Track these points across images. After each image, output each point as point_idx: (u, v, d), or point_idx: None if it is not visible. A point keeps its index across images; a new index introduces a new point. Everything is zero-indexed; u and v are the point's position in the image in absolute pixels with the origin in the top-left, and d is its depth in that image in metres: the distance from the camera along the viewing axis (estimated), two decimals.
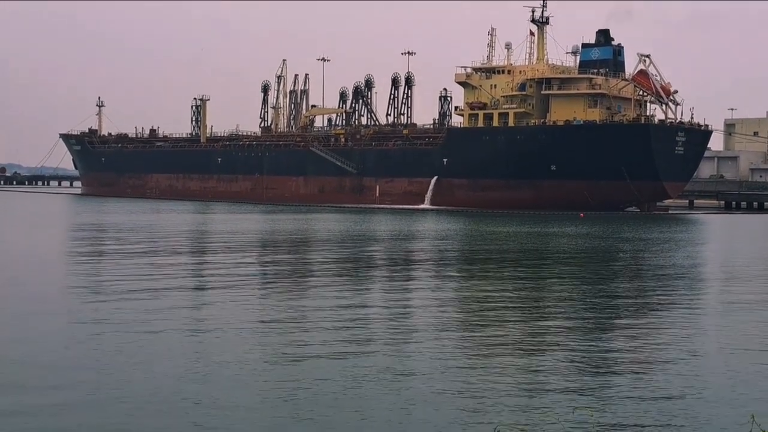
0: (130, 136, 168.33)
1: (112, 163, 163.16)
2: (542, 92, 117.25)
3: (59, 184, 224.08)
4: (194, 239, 60.93)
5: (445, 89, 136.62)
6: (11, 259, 43.51)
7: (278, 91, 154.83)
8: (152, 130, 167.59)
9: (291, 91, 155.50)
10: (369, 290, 33.66)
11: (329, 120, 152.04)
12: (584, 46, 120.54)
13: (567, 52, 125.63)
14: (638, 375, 19.32)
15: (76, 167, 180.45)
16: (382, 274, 40.30)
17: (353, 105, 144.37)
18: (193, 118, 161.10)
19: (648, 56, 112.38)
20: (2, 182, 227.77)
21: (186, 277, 36.96)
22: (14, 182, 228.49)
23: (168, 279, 35.31)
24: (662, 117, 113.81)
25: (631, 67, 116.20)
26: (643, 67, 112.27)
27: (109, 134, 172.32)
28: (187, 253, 49.85)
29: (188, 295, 31.22)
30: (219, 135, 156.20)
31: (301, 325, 25.01)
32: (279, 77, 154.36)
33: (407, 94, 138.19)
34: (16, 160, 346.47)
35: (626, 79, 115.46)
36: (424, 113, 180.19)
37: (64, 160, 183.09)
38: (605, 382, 18.65)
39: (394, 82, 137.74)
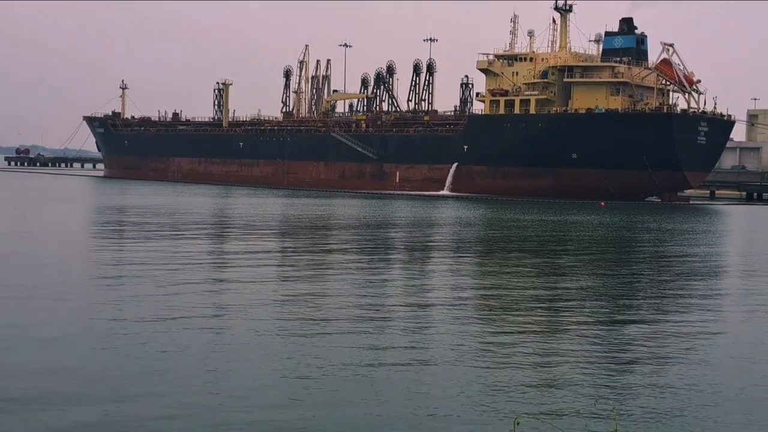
0: (152, 119, 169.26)
1: (134, 146, 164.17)
2: (564, 80, 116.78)
3: (82, 167, 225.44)
4: (215, 222, 61.39)
5: (466, 76, 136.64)
6: (33, 242, 44.07)
7: (300, 76, 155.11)
8: (175, 114, 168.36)
9: (313, 77, 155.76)
10: (388, 276, 33.86)
11: (350, 105, 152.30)
12: (607, 34, 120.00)
13: (590, 41, 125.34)
14: (659, 366, 19.44)
15: (99, 150, 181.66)
16: (402, 259, 40.57)
17: (374, 91, 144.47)
18: (216, 103, 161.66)
19: (671, 45, 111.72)
20: (26, 163, 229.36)
21: (205, 261, 37.29)
22: (38, 164, 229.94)
23: (188, 261, 35.66)
24: (685, 106, 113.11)
25: (654, 55, 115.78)
26: (666, 56, 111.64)
27: (132, 117, 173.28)
28: (207, 236, 50.23)
29: (208, 278, 31.53)
30: (241, 119, 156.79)
31: (319, 309, 25.29)
32: (301, 62, 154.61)
33: (429, 80, 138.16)
34: (40, 142, 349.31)
35: (649, 68, 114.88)
36: (445, 100, 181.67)
37: (87, 142, 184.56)
38: (626, 372, 18.78)
39: (416, 69, 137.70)
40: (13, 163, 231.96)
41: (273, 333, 21.88)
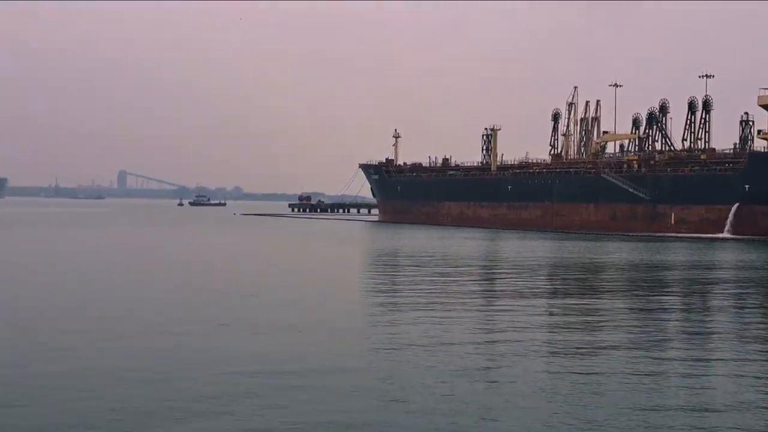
0: (423, 165, 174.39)
1: (406, 191, 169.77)
2: None
3: (358, 212, 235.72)
4: (486, 266, 62.02)
5: (746, 113, 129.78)
6: (313, 280, 46.68)
7: (569, 118, 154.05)
8: (445, 159, 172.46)
9: (582, 119, 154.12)
10: (659, 318, 32.77)
11: (621, 146, 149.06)
12: None
13: None
14: None
15: (374, 195, 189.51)
16: (682, 303, 39.07)
17: (646, 130, 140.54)
18: (484, 147, 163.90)
19: None
20: (307, 210, 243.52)
21: (475, 303, 37.85)
22: (318, 210, 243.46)
23: (456, 298, 36.41)
24: None
25: None
26: None
27: (404, 164, 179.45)
28: (478, 279, 50.91)
29: (479, 321, 32.01)
30: (509, 163, 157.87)
31: (584, 345, 25.00)
32: (570, 104, 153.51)
33: (705, 118, 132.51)
34: (320, 189, 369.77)
35: None
36: (722, 138, 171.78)
37: (363, 188, 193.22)
38: None
39: (691, 107, 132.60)
40: (296, 209, 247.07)
41: (549, 376, 21.86)
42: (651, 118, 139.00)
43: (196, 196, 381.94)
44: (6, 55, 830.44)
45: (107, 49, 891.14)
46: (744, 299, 40.96)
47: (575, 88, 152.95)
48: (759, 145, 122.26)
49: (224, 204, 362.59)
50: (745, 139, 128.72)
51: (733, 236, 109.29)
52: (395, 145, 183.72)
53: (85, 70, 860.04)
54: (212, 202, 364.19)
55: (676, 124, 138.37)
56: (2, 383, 19.94)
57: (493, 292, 42.59)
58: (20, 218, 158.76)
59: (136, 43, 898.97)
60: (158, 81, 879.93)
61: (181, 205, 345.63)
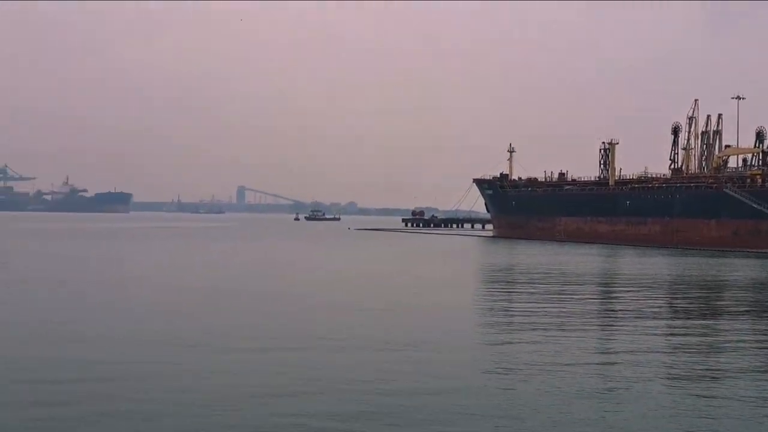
0: (539, 179, 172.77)
1: (521, 206, 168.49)
2: None
3: (472, 227, 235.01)
4: (602, 281, 61.07)
5: None
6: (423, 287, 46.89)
7: (689, 132, 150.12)
8: (561, 174, 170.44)
9: (703, 132, 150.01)
10: None
11: (744, 160, 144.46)
12: None
13: None
14: None
15: (487, 210, 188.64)
16: None
17: None
18: (601, 162, 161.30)
19: None
20: (420, 224, 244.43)
21: (592, 321, 37.40)
22: (431, 224, 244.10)
23: (573, 317, 36.05)
24: None
25: None
26: None
27: (519, 178, 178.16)
28: (595, 296, 50.23)
29: (593, 332, 31.67)
30: (627, 178, 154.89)
31: (706, 368, 24.45)
32: (690, 118, 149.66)
33: None
34: (433, 204, 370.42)
35: None
36: None
37: (477, 203, 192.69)
38: None
39: None
40: (409, 224, 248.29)
41: (669, 399, 21.53)
42: None
43: (311, 211, 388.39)
44: (133, 76, 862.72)
45: (230, 76, 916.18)
46: None
47: (696, 101, 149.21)
48: None
49: (339, 219, 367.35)
50: None
51: None
52: (510, 159, 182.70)
53: (209, 98, 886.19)
54: (327, 216, 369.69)
55: None
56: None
57: (610, 311, 41.91)
58: (157, 233, 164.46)
59: (255, 67, 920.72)
60: (277, 103, 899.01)
61: (297, 219, 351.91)
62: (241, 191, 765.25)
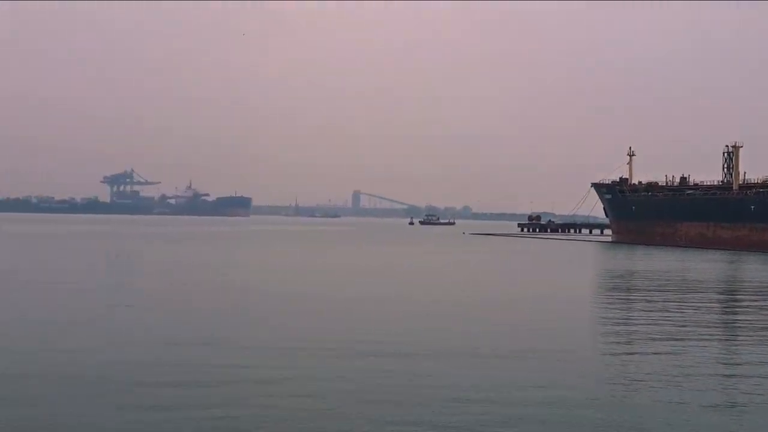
0: (659, 184, 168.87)
1: (641, 211, 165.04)
2: None
3: (590, 232, 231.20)
4: (727, 289, 59.43)
5: None
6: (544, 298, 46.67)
7: None
8: (683, 178, 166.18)
9: None
10: None
11: None
12: None
13: None
14: None
15: (606, 215, 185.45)
16: None
17: None
18: (725, 166, 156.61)
19: None
20: (537, 229, 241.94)
21: (715, 326, 36.57)
22: (548, 229, 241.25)
23: (697, 326, 35.33)
24: None
25: None
26: None
27: (639, 183, 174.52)
28: (717, 303, 48.98)
29: (717, 343, 31.01)
30: (752, 182, 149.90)
31: None
32: None
33: None
34: (549, 209, 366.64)
35: None
36: None
37: (595, 208, 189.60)
38: None
39: None
40: (525, 229, 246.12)
41: None
42: None
43: (426, 215, 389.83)
44: (246, 84, 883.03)
45: (344, 85, 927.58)
46: None
47: None
48: None
49: (453, 223, 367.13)
50: None
51: None
52: (629, 163, 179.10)
53: (320, 118, 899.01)
54: (441, 221, 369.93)
55: None
56: None
57: (734, 321, 40.84)
58: (291, 235, 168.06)
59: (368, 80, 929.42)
60: (391, 108, 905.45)
61: (411, 224, 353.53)
62: (356, 195, 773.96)
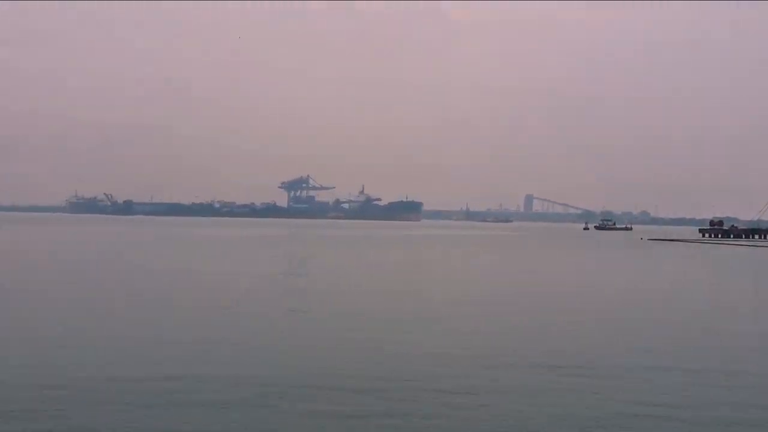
0: None
1: None
2: None
3: None
4: None
5: None
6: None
7: None
8: None
9: None
10: None
11: None
12: None
13: None
14: None
15: None
16: None
17: None
18: None
19: None
20: (719, 235, 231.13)
21: None
22: (731, 235, 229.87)
23: None
24: None
25: None
26: None
27: None
28: None
29: None
30: None
31: None
32: None
33: None
34: (733, 213, 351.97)
35: None
36: None
37: None
38: None
39: None
40: (706, 234, 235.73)
41: None
42: None
43: (601, 220, 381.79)
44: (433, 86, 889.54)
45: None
46: None
47: None
48: None
49: (630, 228, 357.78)
50: None
51: None
52: None
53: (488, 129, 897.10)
54: (618, 226, 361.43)
55: None
56: None
57: None
58: (461, 241, 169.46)
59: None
60: (571, 115, 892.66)
61: (586, 229, 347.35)
62: (528, 199, 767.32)
